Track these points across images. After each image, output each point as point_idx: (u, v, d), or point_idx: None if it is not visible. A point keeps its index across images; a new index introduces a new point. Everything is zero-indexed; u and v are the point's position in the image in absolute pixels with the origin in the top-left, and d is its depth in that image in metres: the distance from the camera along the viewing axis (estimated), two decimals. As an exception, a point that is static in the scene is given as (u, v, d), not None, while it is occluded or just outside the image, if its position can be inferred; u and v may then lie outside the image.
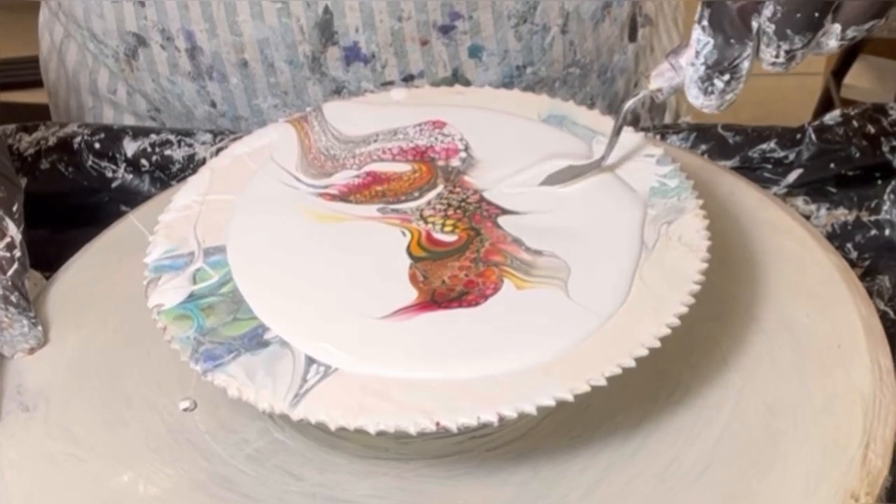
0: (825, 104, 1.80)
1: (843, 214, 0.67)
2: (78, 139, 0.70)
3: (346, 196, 0.55)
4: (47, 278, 0.59)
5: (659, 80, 0.53)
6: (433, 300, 0.49)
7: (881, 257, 0.65)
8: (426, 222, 0.53)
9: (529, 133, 0.57)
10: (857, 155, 0.68)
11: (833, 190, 0.68)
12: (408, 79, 0.73)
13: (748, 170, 0.68)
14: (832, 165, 0.68)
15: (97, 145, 0.70)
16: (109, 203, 0.67)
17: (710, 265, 0.51)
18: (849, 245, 0.66)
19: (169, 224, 0.54)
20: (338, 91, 0.73)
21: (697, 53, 0.50)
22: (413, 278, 0.50)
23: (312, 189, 0.55)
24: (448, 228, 0.52)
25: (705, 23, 0.49)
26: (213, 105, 0.75)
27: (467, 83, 0.75)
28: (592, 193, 0.54)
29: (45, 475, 0.51)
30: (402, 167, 0.56)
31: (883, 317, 0.57)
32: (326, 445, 0.51)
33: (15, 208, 0.53)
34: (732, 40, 0.49)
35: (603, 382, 0.46)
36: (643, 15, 0.84)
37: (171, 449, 0.52)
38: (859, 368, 0.52)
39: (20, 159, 0.69)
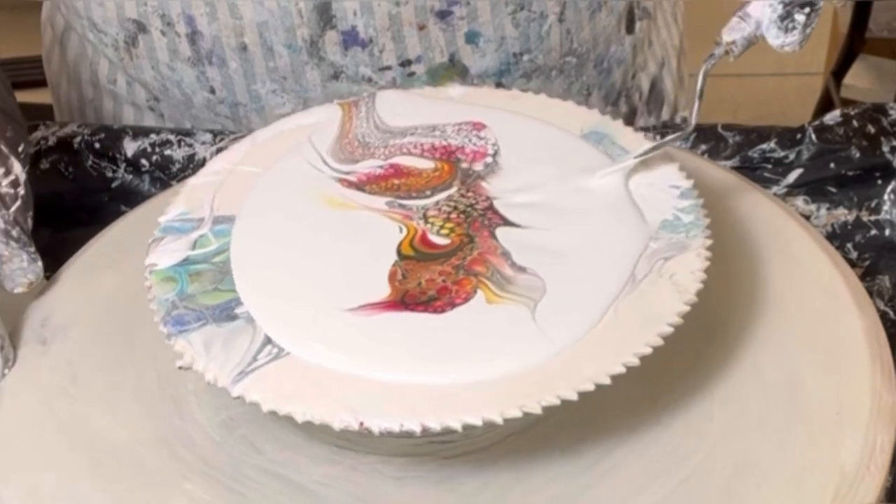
0: (825, 104, 1.77)
1: (843, 214, 0.66)
2: (78, 139, 0.71)
3: (362, 185, 0.55)
4: (47, 278, 0.60)
5: (732, 33, 0.53)
6: (402, 300, 0.49)
7: (881, 257, 0.64)
8: (426, 222, 0.53)
9: (563, 147, 0.56)
10: (857, 155, 0.67)
11: (833, 190, 0.67)
12: (405, 64, 0.73)
13: (748, 170, 0.67)
14: (832, 165, 0.67)
15: (97, 145, 0.71)
16: (109, 203, 0.67)
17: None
18: (849, 245, 0.65)
19: (193, 187, 0.56)
20: (335, 76, 0.73)
21: None
22: (392, 276, 0.50)
23: (335, 174, 0.56)
24: (444, 231, 0.52)
25: None
26: (212, 91, 0.76)
27: (464, 69, 0.74)
28: (601, 217, 0.53)
29: (35, 406, 0.54)
30: (426, 164, 0.56)
31: (883, 317, 0.56)
32: (296, 426, 0.52)
33: (20, 148, 0.56)
34: None
35: (538, 410, 0.45)
36: (641, 8, 0.83)
37: (154, 402, 0.54)
38: (850, 441, 0.49)
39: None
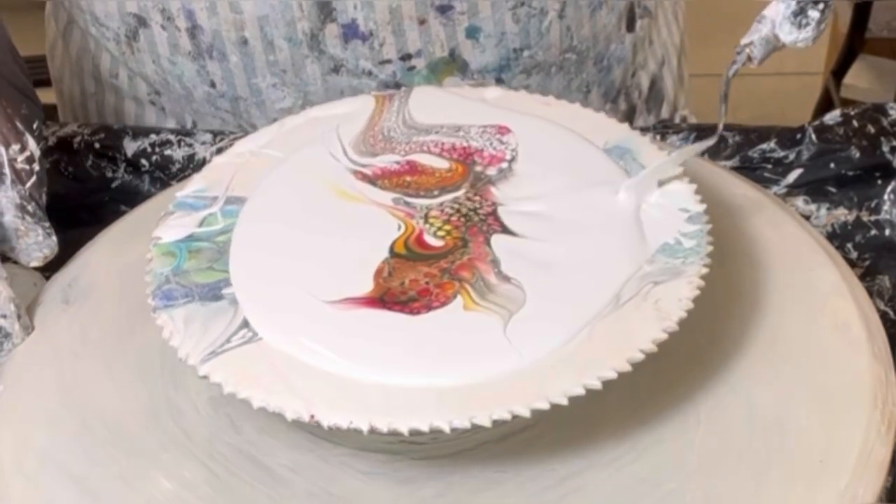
0: (825, 104, 1.75)
1: (843, 214, 0.66)
2: (78, 139, 0.72)
3: (375, 179, 0.56)
4: (47, 278, 0.62)
5: (749, 35, 0.53)
6: (381, 298, 0.49)
7: (881, 257, 0.64)
8: (426, 222, 0.53)
9: (582, 159, 0.56)
10: (857, 155, 0.67)
11: (833, 190, 0.67)
12: (405, 58, 0.73)
13: (748, 170, 0.67)
14: (832, 165, 0.67)
15: (97, 145, 0.72)
16: (109, 203, 0.68)
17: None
18: (849, 245, 0.65)
19: (215, 166, 0.58)
20: (336, 70, 0.73)
21: None
22: (377, 273, 0.51)
23: (352, 165, 0.57)
24: (441, 233, 0.52)
25: None
26: (213, 85, 0.76)
27: (465, 64, 0.74)
28: (601, 234, 0.52)
29: (43, 362, 0.56)
30: (442, 164, 0.56)
31: (883, 317, 0.56)
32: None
33: (35, 125, 0.58)
34: None
35: (487, 423, 0.45)
36: (642, 6, 0.81)
37: (151, 371, 0.55)
38: (828, 491, 0.48)
39: None
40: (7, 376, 0.56)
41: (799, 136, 0.68)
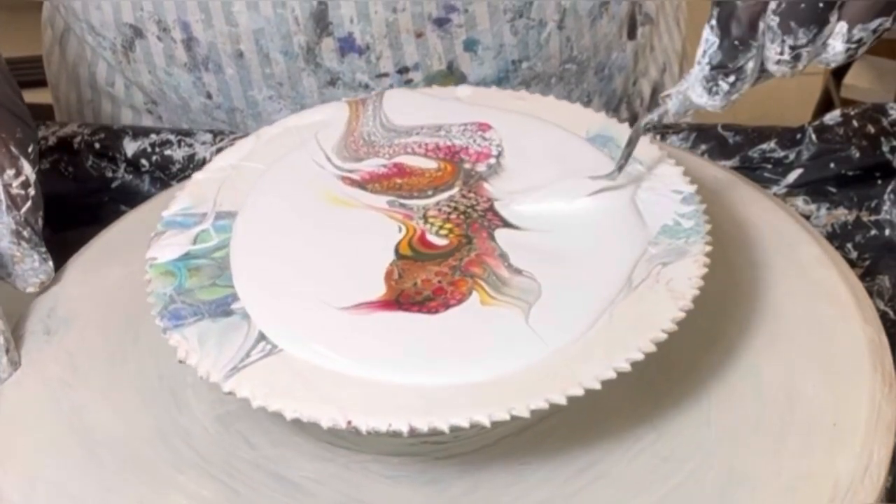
0: (825, 104, 1.77)
1: (843, 214, 0.66)
2: (78, 139, 0.71)
3: (364, 183, 0.55)
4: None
5: (673, 88, 0.52)
6: (397, 300, 0.49)
7: (881, 257, 0.64)
8: (426, 222, 0.53)
9: (568, 150, 0.56)
10: (857, 155, 0.67)
11: (833, 190, 0.67)
12: (402, 71, 0.73)
13: (748, 170, 0.67)
14: (832, 165, 0.67)
15: (97, 145, 0.71)
16: (109, 203, 0.67)
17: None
18: (849, 245, 0.66)
19: (198, 182, 0.57)
20: (332, 83, 0.73)
21: (704, 53, 0.49)
22: (388, 275, 0.50)
23: (338, 171, 0.56)
24: (443, 232, 0.52)
25: (713, 22, 0.49)
26: (209, 97, 0.76)
27: (462, 77, 0.74)
28: (601, 221, 0.53)
29: (36, 396, 0.54)
30: (429, 164, 0.56)
31: (883, 317, 0.56)
32: (290, 422, 0.52)
33: (30, 149, 0.56)
34: (737, 42, 0.48)
35: (526, 414, 0.45)
36: (643, 13, 0.82)
37: (152, 394, 0.54)
38: (846, 453, 0.49)
39: None
40: (2, 412, 0.54)
41: (799, 136, 0.68)
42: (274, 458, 0.51)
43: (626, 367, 0.46)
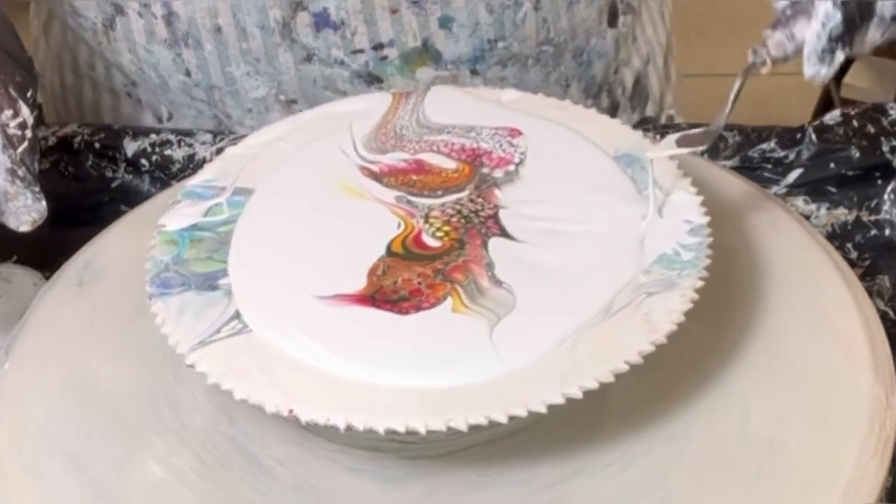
0: (825, 104, 1.73)
1: (843, 214, 0.67)
2: (78, 139, 0.72)
3: (381, 176, 0.56)
4: (47, 278, 0.62)
5: (779, 49, 0.54)
6: (372, 296, 0.50)
7: (881, 257, 0.64)
8: (426, 222, 0.53)
9: (590, 165, 0.55)
10: (857, 155, 0.67)
11: (833, 190, 0.67)
12: (377, 47, 0.73)
13: (748, 170, 0.67)
14: (832, 165, 0.67)
15: (97, 145, 0.72)
16: (109, 203, 0.67)
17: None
18: (849, 245, 0.66)
19: (226, 157, 0.58)
20: (308, 59, 0.73)
21: (823, 26, 0.52)
22: (372, 270, 0.51)
23: (360, 161, 0.57)
24: (439, 234, 0.52)
25: None
26: (188, 74, 0.76)
27: (438, 55, 0.74)
28: (600, 241, 0.52)
29: (49, 344, 0.57)
30: (449, 164, 0.56)
31: (883, 317, 0.56)
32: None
33: (29, 94, 0.58)
34: (858, 17, 0.52)
35: (463, 427, 0.45)
36: (624, 3, 0.81)
37: (154, 358, 0.55)
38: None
39: None
40: (16, 353, 0.57)
41: (799, 136, 0.68)
42: (249, 435, 0.52)
43: (578, 394, 0.45)
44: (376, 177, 0.56)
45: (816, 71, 0.53)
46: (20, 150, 0.57)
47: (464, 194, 0.54)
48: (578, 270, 0.50)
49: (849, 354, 0.52)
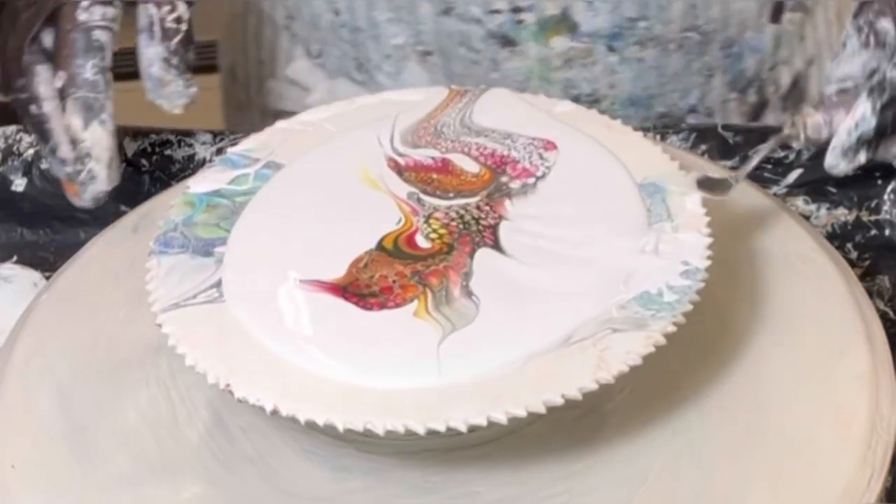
0: None
1: (843, 214, 0.67)
2: None
3: (403, 170, 0.56)
4: (47, 278, 0.63)
5: (815, 131, 0.56)
6: (345, 287, 0.50)
7: (881, 257, 0.65)
8: (426, 222, 0.53)
9: (609, 190, 0.54)
10: None
11: (833, 190, 0.67)
12: (516, 10, 0.72)
13: None
14: None
15: None
16: (109, 203, 0.66)
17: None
18: (849, 245, 0.66)
19: (274, 130, 0.59)
20: (446, 12, 0.73)
21: (857, 126, 0.54)
22: (356, 262, 0.51)
23: (391, 153, 0.57)
24: (433, 236, 0.52)
25: (878, 104, 0.53)
26: (337, 13, 0.78)
27: (574, 25, 0.73)
28: (585, 269, 0.50)
29: (87, 280, 0.60)
30: (473, 167, 0.56)
31: (883, 317, 0.56)
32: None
33: None
34: (890, 128, 0.54)
35: (380, 431, 0.45)
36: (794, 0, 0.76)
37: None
38: None
39: (20, 159, 0.71)
40: (57, 282, 0.60)
41: None
42: (225, 399, 0.53)
43: (502, 419, 0.45)
44: (399, 170, 0.56)
45: (836, 164, 0.55)
46: (175, 40, 0.61)
47: (473, 200, 0.54)
48: (553, 294, 0.49)
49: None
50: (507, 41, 0.75)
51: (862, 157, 0.54)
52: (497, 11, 0.73)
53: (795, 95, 0.84)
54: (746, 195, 0.59)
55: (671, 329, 0.47)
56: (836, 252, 0.57)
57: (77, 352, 0.56)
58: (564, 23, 0.73)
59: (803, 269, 0.56)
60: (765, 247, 0.57)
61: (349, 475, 0.51)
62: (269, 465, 0.51)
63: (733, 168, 0.64)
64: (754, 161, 0.55)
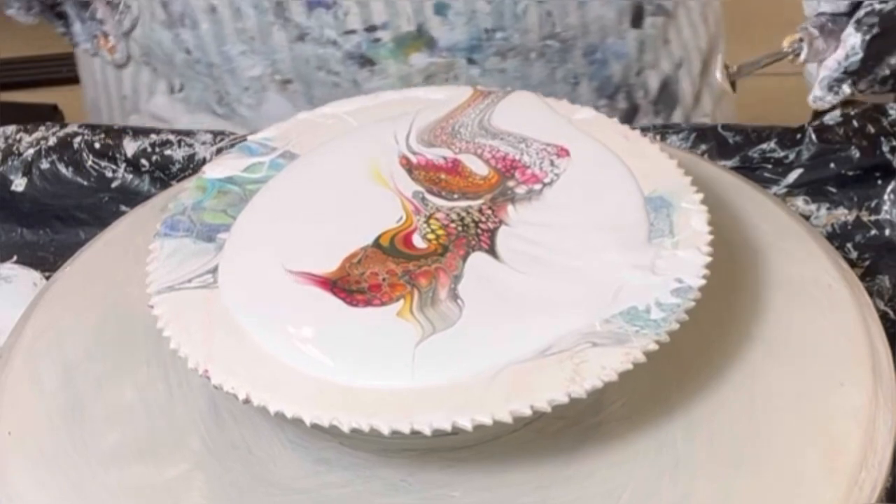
0: None
1: (843, 214, 0.67)
2: (78, 139, 0.72)
3: (413, 168, 0.56)
4: (47, 278, 0.63)
5: (815, 55, 0.58)
6: (334, 282, 0.50)
7: (881, 257, 0.65)
8: (426, 222, 0.53)
9: (614, 203, 0.53)
10: (857, 155, 0.68)
11: (833, 190, 0.68)
12: (370, 29, 0.71)
13: (748, 170, 0.68)
14: (832, 165, 0.68)
15: (97, 145, 0.72)
16: (109, 203, 0.67)
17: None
18: (849, 245, 0.66)
19: (297, 120, 0.60)
20: (301, 38, 0.72)
21: (846, 57, 0.55)
22: (349, 257, 0.51)
23: (404, 150, 0.57)
24: (430, 237, 0.52)
25: (868, 36, 0.55)
26: (188, 52, 0.77)
27: (432, 41, 0.72)
28: (576, 281, 0.50)
29: (110, 254, 0.61)
30: (482, 170, 0.55)
31: (883, 317, 0.57)
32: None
33: None
34: (872, 60, 0.55)
35: (345, 429, 0.45)
36: (654, 4, 0.76)
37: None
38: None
39: (20, 159, 0.72)
40: (78, 259, 0.62)
41: (799, 136, 0.68)
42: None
43: (467, 426, 0.45)
44: (410, 168, 0.56)
45: (823, 96, 0.57)
46: None
47: (477, 202, 0.54)
48: (540, 303, 0.49)
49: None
50: (365, 61, 0.75)
51: (846, 89, 0.56)
52: (352, 32, 0.74)
53: (665, 99, 0.83)
54: (746, 195, 0.59)
55: (652, 347, 0.46)
56: (836, 252, 0.58)
57: (87, 328, 0.58)
58: (421, 38, 0.73)
59: (803, 269, 0.55)
60: (764, 247, 0.56)
61: (329, 469, 0.51)
62: (253, 454, 0.52)
63: (733, 168, 0.65)
64: (760, 63, 0.58)
